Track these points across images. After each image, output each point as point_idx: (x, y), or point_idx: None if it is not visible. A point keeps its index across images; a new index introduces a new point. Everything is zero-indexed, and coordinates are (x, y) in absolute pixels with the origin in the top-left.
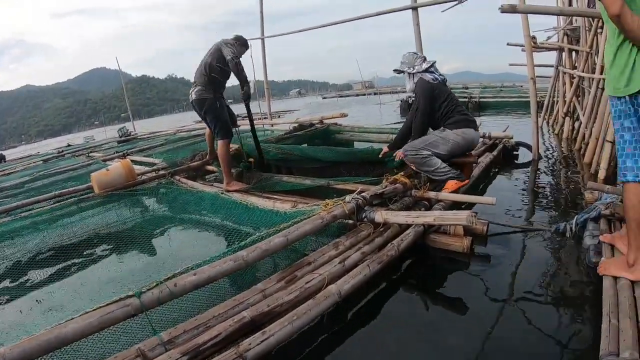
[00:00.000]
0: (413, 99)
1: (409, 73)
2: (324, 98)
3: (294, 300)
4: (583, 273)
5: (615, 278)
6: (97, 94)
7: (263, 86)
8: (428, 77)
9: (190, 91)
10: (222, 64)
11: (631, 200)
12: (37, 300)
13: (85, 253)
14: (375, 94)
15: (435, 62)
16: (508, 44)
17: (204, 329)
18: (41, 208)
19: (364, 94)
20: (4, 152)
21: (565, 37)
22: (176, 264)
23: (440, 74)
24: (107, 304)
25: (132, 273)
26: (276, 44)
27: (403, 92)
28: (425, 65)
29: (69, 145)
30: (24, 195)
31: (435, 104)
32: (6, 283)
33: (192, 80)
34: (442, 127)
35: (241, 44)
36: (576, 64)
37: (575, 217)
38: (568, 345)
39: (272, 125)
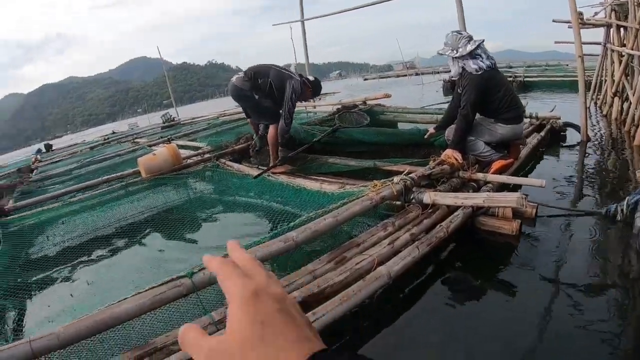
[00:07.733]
0: (456, 78)
1: (453, 57)
2: (365, 79)
3: (344, 281)
4: (633, 257)
5: None
6: (139, 82)
7: (304, 69)
8: (472, 67)
9: (234, 77)
10: (276, 88)
11: None
12: (87, 282)
13: (134, 236)
14: (417, 74)
15: (482, 42)
16: (554, 21)
17: None
18: (90, 193)
19: (405, 75)
20: (50, 142)
21: (613, 13)
22: (225, 245)
23: (488, 57)
24: (159, 285)
25: (180, 254)
26: (315, 26)
27: (445, 71)
28: (469, 48)
29: (113, 133)
30: (72, 182)
31: (487, 97)
32: (58, 266)
33: (232, 65)
34: (493, 119)
35: (313, 92)
36: (625, 41)
37: (626, 199)
38: (619, 333)
39: (315, 107)
